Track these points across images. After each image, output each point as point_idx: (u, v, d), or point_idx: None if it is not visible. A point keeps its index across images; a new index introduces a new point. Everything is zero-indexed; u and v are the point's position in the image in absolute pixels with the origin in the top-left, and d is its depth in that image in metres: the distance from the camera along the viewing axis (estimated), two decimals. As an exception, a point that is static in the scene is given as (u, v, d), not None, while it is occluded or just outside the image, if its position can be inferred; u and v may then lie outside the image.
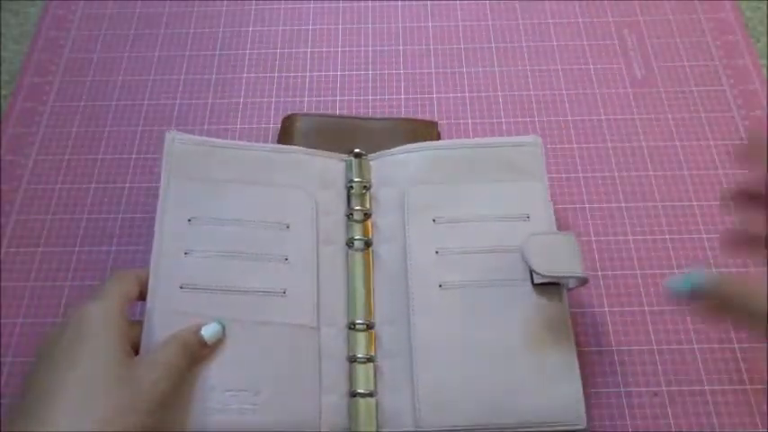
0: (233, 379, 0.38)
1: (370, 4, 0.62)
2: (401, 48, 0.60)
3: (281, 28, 0.61)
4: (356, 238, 0.44)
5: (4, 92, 0.60)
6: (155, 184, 0.52)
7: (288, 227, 0.43)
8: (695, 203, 0.50)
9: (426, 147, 0.46)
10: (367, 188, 0.46)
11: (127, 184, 0.52)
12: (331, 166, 0.46)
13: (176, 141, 0.44)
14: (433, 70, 0.58)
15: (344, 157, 0.47)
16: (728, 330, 0.45)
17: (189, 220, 0.42)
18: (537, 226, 0.43)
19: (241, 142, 0.46)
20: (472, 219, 0.43)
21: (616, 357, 0.44)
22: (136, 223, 0.50)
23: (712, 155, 0.53)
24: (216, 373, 0.38)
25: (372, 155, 0.47)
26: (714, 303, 0.30)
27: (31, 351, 0.45)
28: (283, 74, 0.58)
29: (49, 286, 0.48)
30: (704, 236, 0.49)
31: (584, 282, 0.41)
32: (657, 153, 0.53)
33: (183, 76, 0.58)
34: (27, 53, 0.60)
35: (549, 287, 0.41)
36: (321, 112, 0.56)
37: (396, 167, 0.46)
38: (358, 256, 0.44)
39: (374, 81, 0.57)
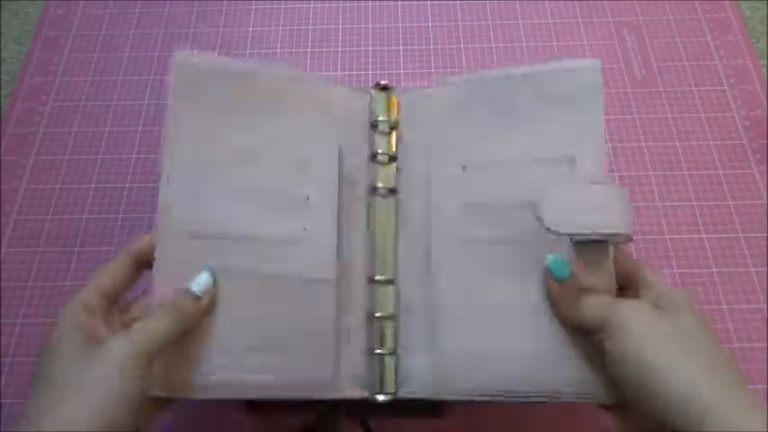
0: (248, 337, 0.36)
1: (370, 4, 0.62)
2: (401, 48, 0.60)
3: (281, 28, 0.61)
4: (379, 185, 0.40)
5: (4, 92, 0.59)
6: (154, 184, 0.52)
7: (308, 163, 0.39)
8: (695, 203, 0.50)
9: (463, 80, 0.41)
10: (393, 127, 0.41)
11: (127, 184, 0.52)
12: (354, 99, 0.41)
13: (184, 64, 0.38)
14: (433, 70, 0.58)
15: (369, 89, 0.42)
16: (728, 331, 0.45)
17: (200, 155, 0.37)
18: (583, 171, 0.36)
19: (258, 65, 0.40)
20: (506, 165, 0.38)
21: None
22: (136, 223, 0.50)
23: (712, 155, 0.53)
24: (230, 332, 0.35)
25: (399, 88, 0.42)
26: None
27: (31, 351, 0.45)
28: (283, 74, 0.58)
29: (49, 286, 0.48)
30: (704, 236, 0.49)
31: (628, 239, 0.35)
32: (657, 153, 0.53)
33: (183, 76, 0.58)
34: (27, 53, 0.60)
35: (591, 246, 0.34)
36: (321, 111, 0.56)
37: (425, 104, 0.41)
38: (382, 205, 0.40)
39: (374, 81, 0.57)
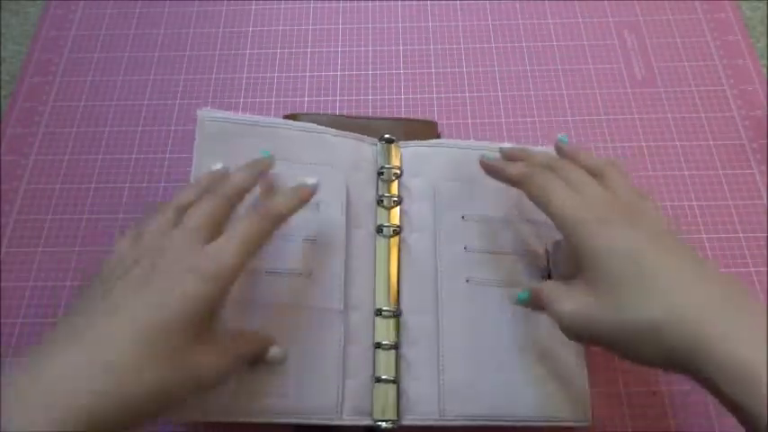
0: (262, 363, 0.38)
1: (370, 4, 0.62)
2: (401, 48, 0.60)
3: (281, 28, 0.61)
4: (385, 224, 0.44)
5: (4, 92, 0.59)
6: (154, 184, 0.52)
7: (318, 206, 0.43)
8: (695, 203, 0.50)
9: (458, 144, 0.47)
10: (397, 175, 0.46)
11: (127, 184, 0.52)
12: (362, 149, 0.46)
13: (207, 120, 0.44)
14: (433, 70, 0.58)
15: (375, 141, 0.47)
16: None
17: None
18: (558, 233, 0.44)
19: (273, 119, 0.46)
20: (500, 219, 0.44)
21: (616, 357, 0.44)
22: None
23: (712, 155, 0.53)
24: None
25: (404, 142, 0.47)
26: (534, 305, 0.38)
27: (31, 351, 0.45)
28: (283, 74, 0.58)
29: (49, 286, 0.48)
30: (704, 236, 0.49)
31: None
32: (657, 153, 0.53)
33: (183, 76, 0.58)
34: (27, 53, 0.60)
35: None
36: (321, 112, 0.56)
37: (428, 159, 0.46)
38: (386, 243, 0.44)
39: (374, 81, 0.57)
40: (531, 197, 0.37)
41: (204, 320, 0.32)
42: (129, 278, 0.31)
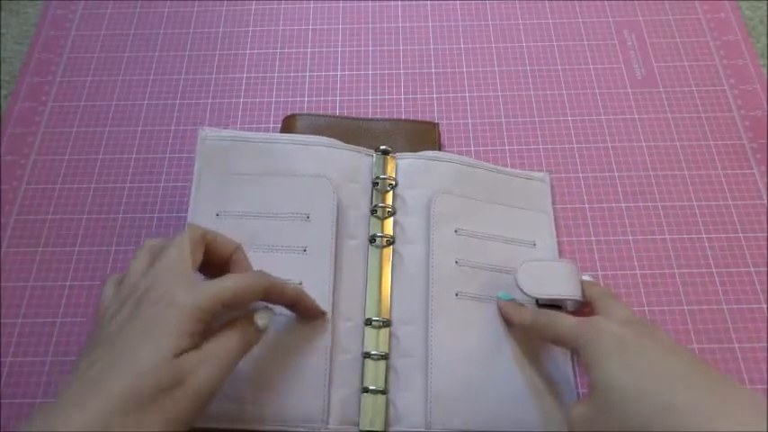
0: (250, 370, 0.39)
1: (370, 4, 0.62)
2: (401, 48, 0.60)
3: (281, 28, 0.61)
4: (378, 234, 0.44)
5: (4, 92, 0.59)
6: (154, 184, 0.52)
7: (308, 217, 0.43)
8: (695, 203, 0.50)
9: (452, 159, 0.47)
10: (392, 186, 0.46)
11: (127, 184, 0.52)
12: (358, 160, 0.46)
13: (207, 139, 0.46)
14: (433, 70, 0.58)
15: (371, 152, 0.47)
16: (728, 331, 0.45)
17: (217, 215, 0.43)
18: (541, 253, 0.46)
19: (268, 134, 0.47)
20: (488, 237, 0.45)
21: None
22: (136, 223, 0.50)
23: (712, 155, 0.53)
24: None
25: (399, 154, 0.47)
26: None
27: (31, 351, 0.45)
28: (283, 74, 0.58)
29: (49, 286, 0.48)
30: (704, 236, 0.49)
31: (580, 305, 0.43)
32: (657, 153, 0.53)
33: (182, 76, 0.58)
34: (27, 53, 0.60)
35: (550, 308, 0.42)
36: (321, 112, 0.56)
37: (423, 171, 0.47)
38: (379, 253, 0.44)
39: (374, 81, 0.57)
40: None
41: (196, 332, 0.31)
42: (119, 318, 0.31)
